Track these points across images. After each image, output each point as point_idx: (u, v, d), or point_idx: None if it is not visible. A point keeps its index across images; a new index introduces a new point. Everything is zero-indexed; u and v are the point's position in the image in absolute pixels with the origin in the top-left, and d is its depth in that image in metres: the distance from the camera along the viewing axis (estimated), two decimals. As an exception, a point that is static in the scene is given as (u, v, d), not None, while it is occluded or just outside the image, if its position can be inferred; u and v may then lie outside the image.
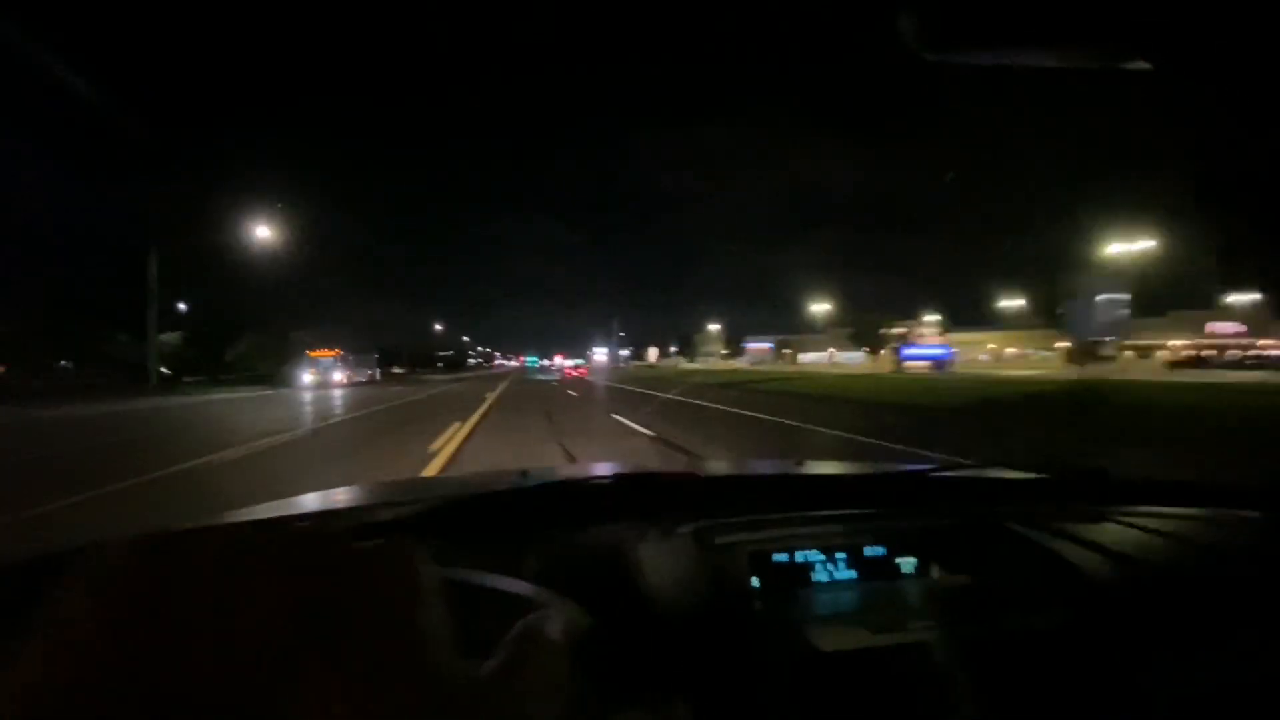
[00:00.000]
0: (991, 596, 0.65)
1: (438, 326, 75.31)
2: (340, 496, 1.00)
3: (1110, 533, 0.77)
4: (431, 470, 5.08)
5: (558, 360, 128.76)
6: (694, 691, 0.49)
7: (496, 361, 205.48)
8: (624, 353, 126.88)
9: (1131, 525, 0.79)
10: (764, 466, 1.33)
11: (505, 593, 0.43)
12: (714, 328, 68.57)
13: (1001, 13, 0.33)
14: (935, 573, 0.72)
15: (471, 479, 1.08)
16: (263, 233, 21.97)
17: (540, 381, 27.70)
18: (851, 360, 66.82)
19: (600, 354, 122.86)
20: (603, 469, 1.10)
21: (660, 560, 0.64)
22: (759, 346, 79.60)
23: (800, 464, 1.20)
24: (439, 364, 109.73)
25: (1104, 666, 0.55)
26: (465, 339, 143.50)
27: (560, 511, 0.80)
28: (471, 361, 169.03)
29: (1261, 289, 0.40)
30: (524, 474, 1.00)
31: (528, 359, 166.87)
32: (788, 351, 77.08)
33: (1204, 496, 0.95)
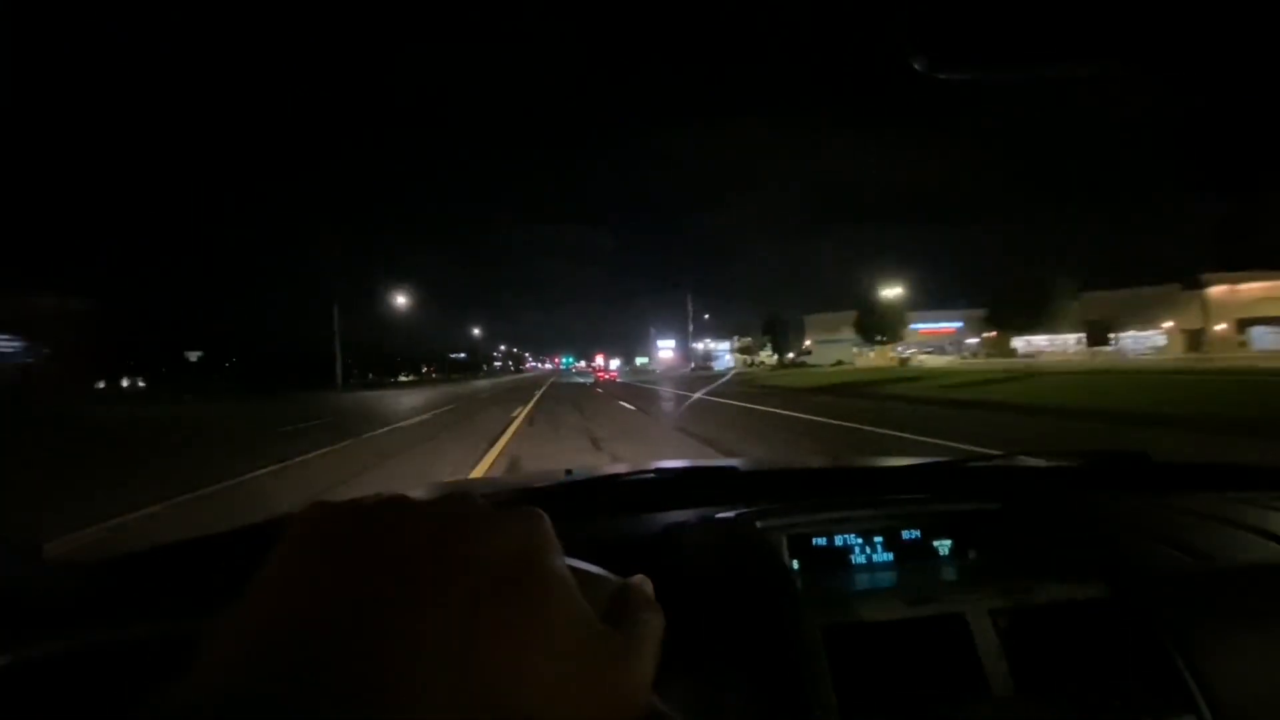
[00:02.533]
0: (1026, 574, 0.65)
1: (400, 299, 49.09)
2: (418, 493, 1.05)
3: (1151, 516, 0.77)
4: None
5: (598, 360, 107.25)
6: (737, 658, 0.52)
7: (529, 364, 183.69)
8: (719, 346, 79.43)
9: (1173, 509, 0.80)
10: (806, 462, 1.35)
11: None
12: (891, 293, 40.86)
13: (999, 33, 0.33)
14: (971, 554, 0.73)
15: (517, 479, 1.05)
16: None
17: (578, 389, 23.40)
18: (1139, 348, 38.29)
19: (666, 351, 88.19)
20: (648, 465, 1.11)
21: (702, 543, 0.68)
22: (937, 328, 51.01)
23: (840, 458, 1.21)
24: (424, 370, 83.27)
25: (1139, 643, 0.56)
26: (476, 331, 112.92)
27: (608, 502, 0.85)
28: (496, 364, 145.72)
29: None
30: (569, 473, 1.03)
31: (563, 360, 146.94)
32: (987, 336, 48.60)
33: (1247, 480, 0.95)
